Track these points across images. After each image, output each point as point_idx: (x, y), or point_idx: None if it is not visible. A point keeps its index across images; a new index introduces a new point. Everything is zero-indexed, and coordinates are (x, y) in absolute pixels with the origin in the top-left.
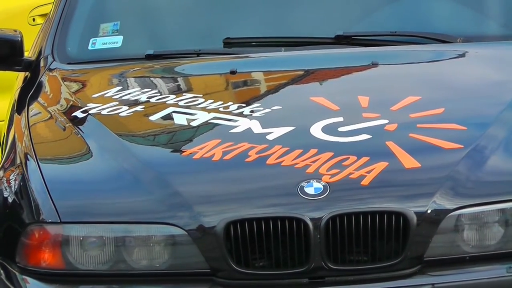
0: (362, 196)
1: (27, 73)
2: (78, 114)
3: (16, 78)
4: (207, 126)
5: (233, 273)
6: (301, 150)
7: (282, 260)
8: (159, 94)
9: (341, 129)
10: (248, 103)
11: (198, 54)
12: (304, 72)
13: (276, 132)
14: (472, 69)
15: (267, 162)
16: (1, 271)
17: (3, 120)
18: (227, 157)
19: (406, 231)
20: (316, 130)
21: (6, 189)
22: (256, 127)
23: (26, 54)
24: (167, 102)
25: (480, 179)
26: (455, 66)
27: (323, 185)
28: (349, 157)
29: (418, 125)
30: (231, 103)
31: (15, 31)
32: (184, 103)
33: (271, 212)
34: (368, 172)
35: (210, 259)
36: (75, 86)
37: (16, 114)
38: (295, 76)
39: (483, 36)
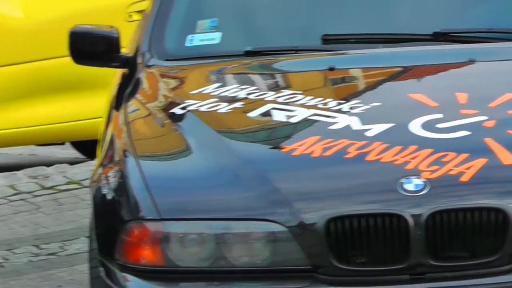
0: (461, 192)
1: (125, 69)
2: (177, 110)
3: (112, 75)
4: (307, 122)
5: (333, 270)
6: (401, 147)
7: (383, 256)
8: (257, 90)
9: (440, 125)
10: (347, 100)
11: (296, 51)
12: (402, 69)
13: (376, 129)
14: None
15: (367, 158)
16: (101, 268)
17: (101, 117)
18: (327, 153)
19: (505, 227)
20: (415, 127)
21: (105, 186)
22: (355, 124)
23: (123, 50)
24: (265, 99)
25: None
26: None
27: (423, 182)
28: (448, 154)
29: None
30: (330, 99)
31: (112, 27)
32: (283, 100)
33: (371, 209)
34: (468, 168)
35: (311, 256)
36: (173, 83)
37: (114, 111)
38: (393, 73)
39: None
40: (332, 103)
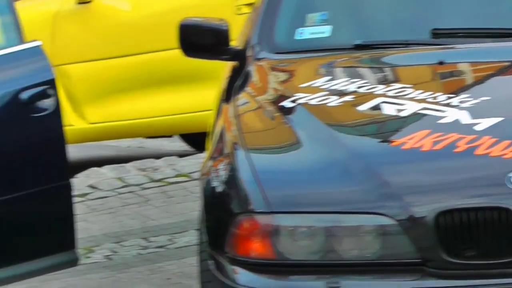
0: None
1: (235, 62)
2: (286, 103)
3: (221, 68)
4: (416, 116)
5: (443, 263)
6: (509, 141)
7: (491, 250)
8: (367, 84)
9: None
10: (456, 94)
11: (406, 45)
12: (511, 63)
13: (485, 123)
14: None
15: (475, 152)
16: (211, 261)
17: (210, 110)
18: (436, 147)
19: None
20: None
21: (214, 179)
22: (465, 118)
23: (232, 43)
24: (375, 92)
25: None
26: None
27: None
28: None
29: None
30: (440, 93)
31: (221, 20)
32: (393, 93)
33: (479, 202)
34: None
35: (420, 249)
36: (282, 76)
37: (223, 103)
38: (502, 67)
39: None
40: (442, 97)
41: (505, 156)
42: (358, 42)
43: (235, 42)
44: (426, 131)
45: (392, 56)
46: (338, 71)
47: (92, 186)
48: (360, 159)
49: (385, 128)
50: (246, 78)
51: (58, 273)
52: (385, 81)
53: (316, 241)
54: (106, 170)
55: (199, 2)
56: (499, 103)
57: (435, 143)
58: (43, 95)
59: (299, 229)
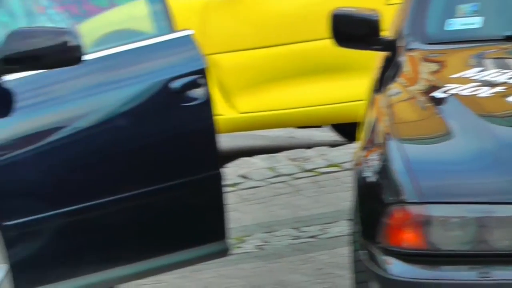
0: None
1: (386, 52)
2: (438, 94)
3: (372, 58)
4: None
5: None
6: None
7: None
8: None
9: None
10: None
11: None
12: None
13: None
14: None
15: None
16: (363, 251)
17: (360, 100)
18: None
19: None
20: None
21: (367, 169)
22: None
23: (382, 34)
24: None
25: None
26: None
27: None
28: None
29: None
30: None
31: (373, 10)
32: None
33: None
34: None
35: None
36: (433, 66)
37: (375, 93)
38: None
39: None
40: None
41: None
42: (509, 33)
43: (385, 32)
44: None
45: None
46: (489, 62)
47: (243, 176)
48: (510, 149)
49: None
50: (398, 68)
51: (210, 262)
52: None
53: (467, 232)
54: (257, 160)
55: None
56: None
57: None
58: (194, 84)
59: (451, 220)
